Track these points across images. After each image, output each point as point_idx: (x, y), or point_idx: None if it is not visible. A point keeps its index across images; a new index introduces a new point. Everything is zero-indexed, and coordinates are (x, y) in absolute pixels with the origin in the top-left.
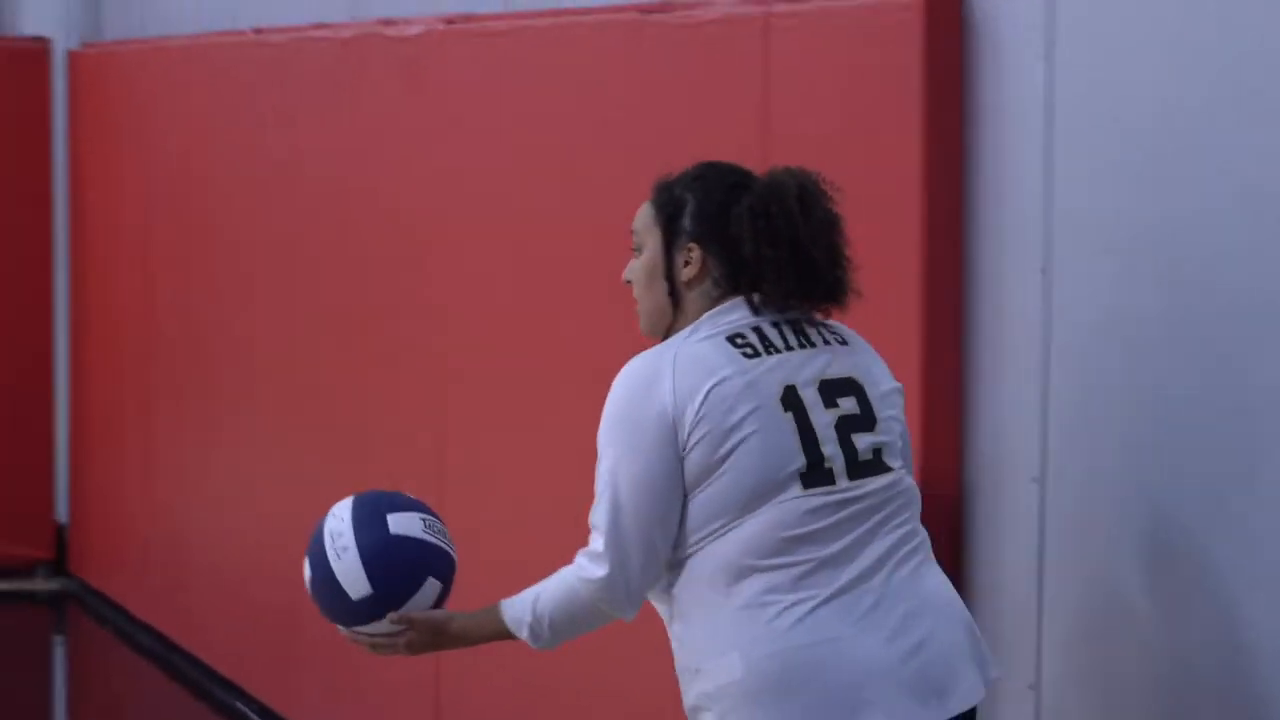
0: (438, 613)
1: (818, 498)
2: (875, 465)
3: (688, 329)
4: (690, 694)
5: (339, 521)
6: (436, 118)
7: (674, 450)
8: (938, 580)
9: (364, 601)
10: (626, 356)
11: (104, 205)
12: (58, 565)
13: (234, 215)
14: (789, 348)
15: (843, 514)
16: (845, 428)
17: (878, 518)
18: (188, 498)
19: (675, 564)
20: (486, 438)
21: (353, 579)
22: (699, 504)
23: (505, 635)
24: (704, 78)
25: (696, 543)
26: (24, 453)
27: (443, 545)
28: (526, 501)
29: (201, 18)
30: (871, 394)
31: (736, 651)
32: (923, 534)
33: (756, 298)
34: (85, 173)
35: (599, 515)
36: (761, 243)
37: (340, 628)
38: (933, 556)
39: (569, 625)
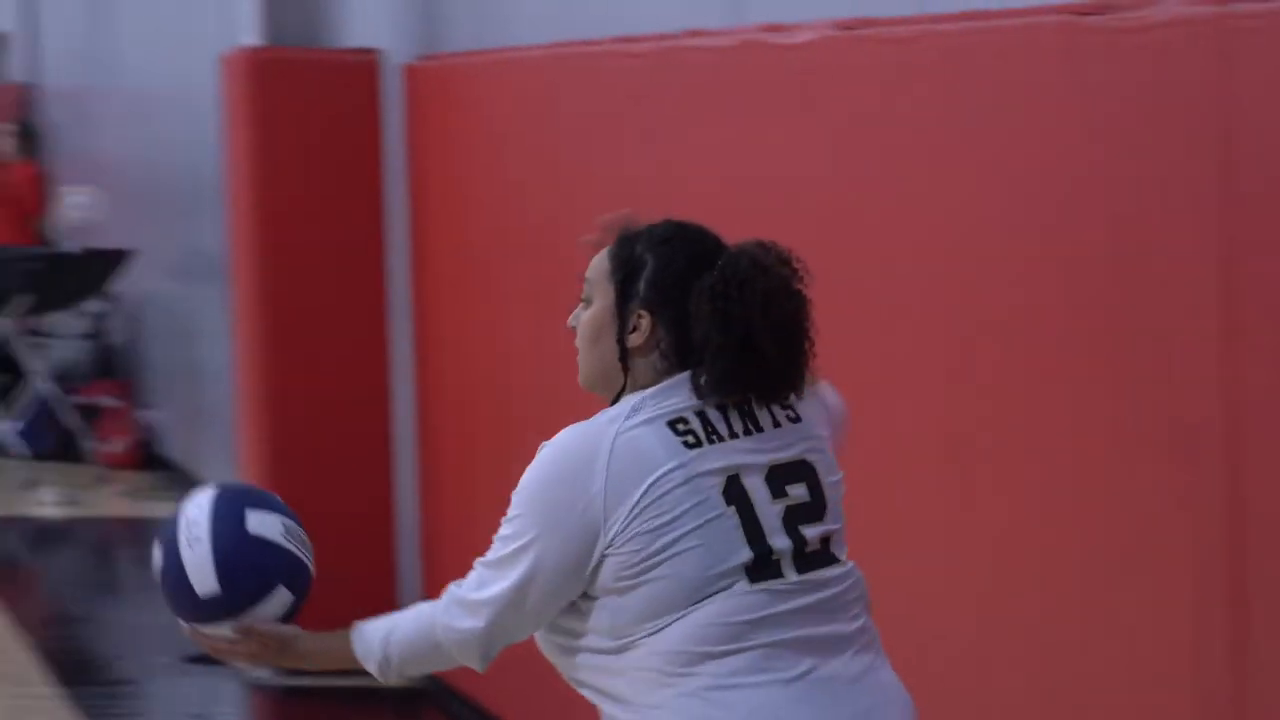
0: (285, 628)
1: (765, 590)
2: (823, 557)
3: (628, 406)
4: None
5: (197, 509)
6: (830, 137)
7: (590, 549)
8: (892, 676)
9: (209, 601)
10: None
11: (449, 233)
12: None
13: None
14: (733, 435)
15: (792, 604)
16: (794, 518)
17: (827, 611)
18: None
19: (609, 651)
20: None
21: (201, 574)
22: (635, 600)
23: (355, 664)
24: (1151, 88)
25: (636, 639)
26: (360, 524)
27: (300, 555)
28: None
29: (554, 27)
30: (823, 476)
31: None
32: (874, 629)
33: (703, 379)
34: (427, 198)
35: (498, 576)
36: (713, 327)
37: (183, 624)
38: (884, 652)
39: (418, 666)
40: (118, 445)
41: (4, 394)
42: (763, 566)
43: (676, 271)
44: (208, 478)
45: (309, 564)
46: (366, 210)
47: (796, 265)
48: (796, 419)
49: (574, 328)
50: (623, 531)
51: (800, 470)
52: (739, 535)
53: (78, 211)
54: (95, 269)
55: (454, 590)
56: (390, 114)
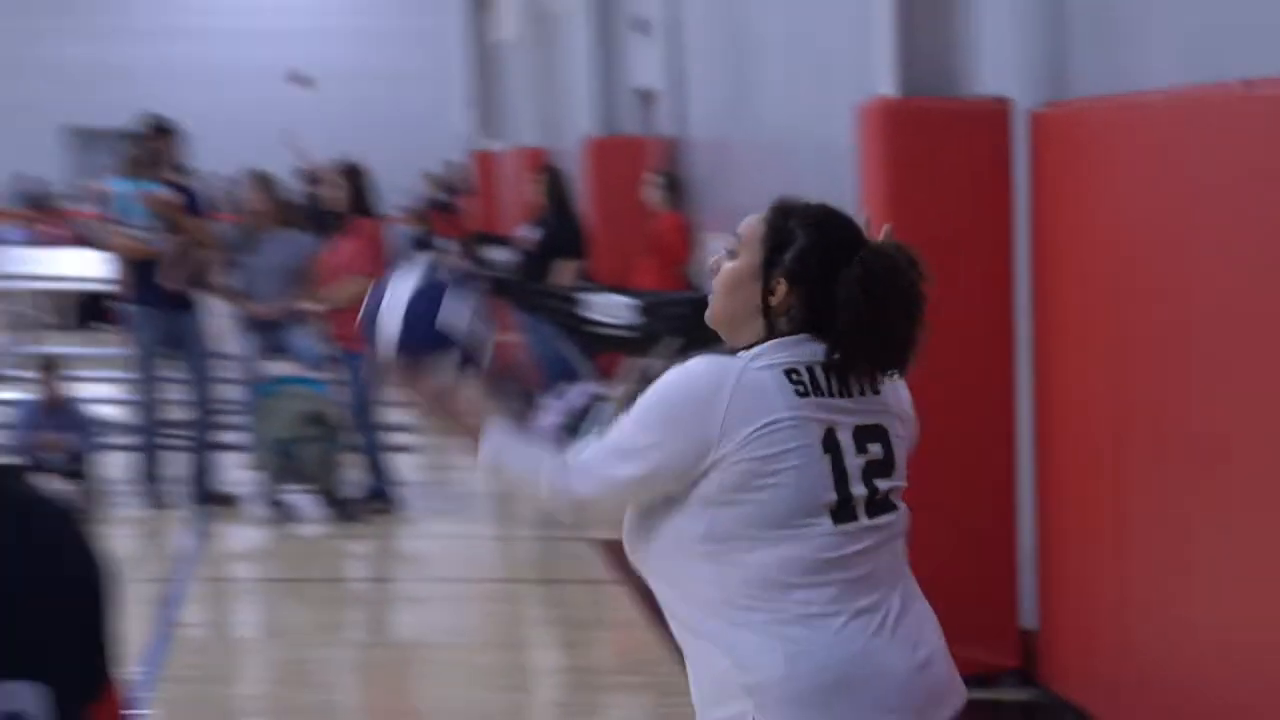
0: (454, 383)
1: (843, 531)
2: (887, 504)
3: (750, 353)
4: (725, 685)
5: (403, 287)
6: None
7: (698, 463)
8: (921, 596)
9: (395, 345)
10: None
11: (1073, 279)
12: (1026, 674)
13: (1221, 288)
14: (832, 393)
15: (863, 544)
16: (871, 472)
17: (886, 547)
18: (1167, 599)
19: (701, 555)
20: None
21: (392, 318)
22: (733, 515)
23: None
24: None
25: (730, 553)
26: (985, 552)
27: (482, 333)
28: None
29: (1183, 70)
30: (894, 440)
31: (781, 654)
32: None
33: (836, 351)
34: (1052, 243)
35: (618, 463)
36: (855, 312)
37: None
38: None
39: (509, 484)
40: None
41: None
42: (844, 509)
43: (821, 252)
44: None
45: (487, 339)
46: (995, 256)
47: (923, 269)
48: (876, 392)
49: (714, 272)
50: (734, 454)
51: (877, 433)
52: (830, 478)
53: None
54: None
55: (570, 457)
56: (1019, 160)
